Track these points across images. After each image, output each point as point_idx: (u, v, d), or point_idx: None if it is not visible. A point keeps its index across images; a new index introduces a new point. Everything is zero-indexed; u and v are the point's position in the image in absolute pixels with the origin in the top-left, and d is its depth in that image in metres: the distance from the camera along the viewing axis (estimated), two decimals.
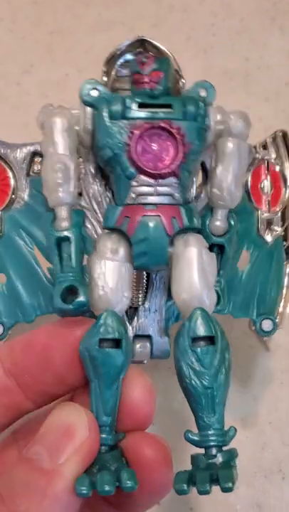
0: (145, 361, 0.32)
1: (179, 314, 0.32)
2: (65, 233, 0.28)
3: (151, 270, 0.30)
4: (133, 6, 0.46)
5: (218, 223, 0.30)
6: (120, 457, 0.27)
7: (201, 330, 0.27)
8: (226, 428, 0.27)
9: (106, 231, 0.29)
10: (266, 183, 0.33)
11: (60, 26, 0.45)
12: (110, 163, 0.28)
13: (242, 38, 0.46)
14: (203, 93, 0.29)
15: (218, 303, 0.29)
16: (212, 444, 0.27)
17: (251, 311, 0.33)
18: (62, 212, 0.28)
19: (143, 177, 0.28)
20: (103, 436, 0.27)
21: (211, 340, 0.27)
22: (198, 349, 0.27)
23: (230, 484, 0.26)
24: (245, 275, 0.32)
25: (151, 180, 0.28)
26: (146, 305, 0.32)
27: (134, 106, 0.28)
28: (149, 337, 0.32)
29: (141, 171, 0.28)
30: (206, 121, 0.28)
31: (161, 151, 0.28)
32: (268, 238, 0.33)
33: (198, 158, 0.29)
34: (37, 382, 0.28)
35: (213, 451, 0.27)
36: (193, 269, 0.28)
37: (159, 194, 0.28)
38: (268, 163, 0.33)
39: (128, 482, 0.26)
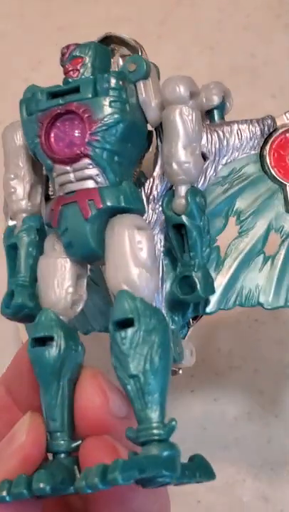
0: (180, 371, 0.30)
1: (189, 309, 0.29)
2: (12, 240, 0.28)
3: (89, 261, 0.28)
4: (141, 2, 0.46)
5: (177, 201, 0.28)
6: (71, 464, 0.25)
7: (118, 312, 0.25)
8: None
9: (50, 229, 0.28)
10: None
11: (68, 22, 0.46)
12: (38, 160, 0.28)
13: (248, 34, 0.46)
14: (132, 68, 0.28)
15: (193, 290, 0.27)
16: (146, 440, 0.23)
17: (286, 300, 0.29)
18: (15, 221, 0.29)
19: (58, 166, 0.27)
20: (54, 442, 0.25)
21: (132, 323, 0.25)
22: (117, 333, 0.24)
23: (82, 483, 0.22)
24: (274, 260, 0.29)
25: (67, 167, 0.27)
26: None
27: (44, 97, 0.27)
28: None
29: (54, 160, 0.27)
30: (122, 94, 0.27)
31: (72, 135, 0.27)
32: None
33: (127, 132, 0.27)
34: (25, 397, 0.27)
35: (150, 447, 0.23)
36: (119, 251, 0.25)
37: (78, 180, 0.27)
38: None
39: (38, 483, 0.23)
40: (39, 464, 0.25)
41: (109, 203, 0.26)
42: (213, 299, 0.29)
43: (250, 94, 0.45)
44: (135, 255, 0.25)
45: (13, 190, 0.29)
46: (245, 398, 0.39)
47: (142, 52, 0.29)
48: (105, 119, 0.26)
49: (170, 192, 0.28)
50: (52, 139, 0.27)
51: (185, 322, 0.29)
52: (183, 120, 0.27)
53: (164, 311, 0.28)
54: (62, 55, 0.28)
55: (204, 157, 0.29)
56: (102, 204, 0.26)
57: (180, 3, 0.46)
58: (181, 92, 0.27)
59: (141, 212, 0.27)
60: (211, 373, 0.40)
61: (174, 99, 0.27)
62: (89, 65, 0.27)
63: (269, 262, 0.29)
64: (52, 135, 0.27)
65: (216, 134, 0.30)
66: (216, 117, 0.30)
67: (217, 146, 0.30)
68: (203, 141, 0.29)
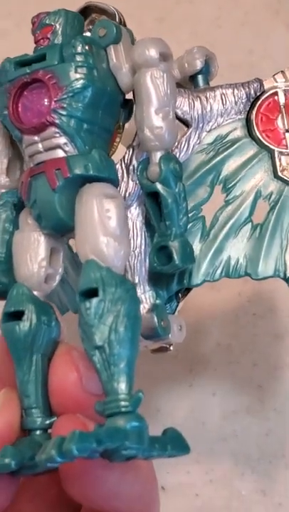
0: (171, 347, 0.29)
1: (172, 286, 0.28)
2: None
3: (61, 233, 0.27)
4: None
5: (151, 168, 0.27)
6: (45, 441, 0.24)
7: (83, 282, 0.24)
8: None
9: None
10: (286, 117, 0.28)
11: None
12: (8, 131, 0.27)
13: (247, 30, 0.47)
14: (102, 33, 0.27)
15: (170, 261, 0.26)
16: (111, 412, 0.23)
17: (279, 269, 0.27)
18: None
19: (27, 136, 0.26)
20: (29, 418, 0.25)
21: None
22: (82, 304, 0.23)
23: (41, 457, 0.22)
24: (263, 228, 0.28)
25: (35, 137, 0.26)
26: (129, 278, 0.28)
27: (12, 67, 0.26)
28: None
29: (23, 130, 0.26)
30: (88, 59, 0.26)
31: (40, 104, 0.26)
32: None
33: (97, 98, 0.26)
34: (5, 376, 0.26)
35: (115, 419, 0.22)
36: (87, 221, 0.24)
37: (46, 150, 0.26)
38: (285, 92, 0.29)
39: (3, 459, 0.23)
40: (11, 440, 0.24)
41: (77, 171, 0.25)
42: (200, 271, 0.28)
43: None
44: (103, 224, 0.24)
45: None
46: (244, 392, 0.39)
47: (121, 20, 0.28)
48: (72, 85, 0.25)
49: (145, 160, 0.27)
50: (20, 109, 0.26)
51: (171, 295, 0.28)
52: (154, 83, 0.26)
53: (147, 285, 0.28)
54: (33, 24, 0.27)
55: (187, 124, 0.29)
56: (69, 173, 0.25)
57: (179, 0, 0.46)
58: (150, 54, 0.26)
59: (113, 181, 0.26)
60: (209, 368, 0.40)
61: (144, 61, 0.26)
62: (59, 32, 0.27)
63: (257, 231, 0.28)
64: (20, 105, 0.26)
65: (198, 100, 0.28)
66: (201, 83, 0.29)
67: (200, 112, 0.28)
68: (186, 107, 0.28)
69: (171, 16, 0.47)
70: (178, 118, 0.28)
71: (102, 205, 0.25)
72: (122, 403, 0.23)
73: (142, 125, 0.26)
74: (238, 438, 0.39)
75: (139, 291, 0.27)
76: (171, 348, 0.29)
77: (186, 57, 0.29)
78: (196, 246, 0.28)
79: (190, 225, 0.27)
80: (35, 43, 0.27)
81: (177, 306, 0.29)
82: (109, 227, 0.24)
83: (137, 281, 0.28)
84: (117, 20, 0.28)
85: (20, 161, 0.28)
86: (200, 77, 0.29)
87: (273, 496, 0.38)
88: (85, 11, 0.29)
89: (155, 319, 0.26)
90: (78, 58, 0.26)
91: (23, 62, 0.26)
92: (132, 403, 0.23)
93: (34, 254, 0.26)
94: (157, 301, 0.28)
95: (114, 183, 0.26)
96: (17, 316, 0.25)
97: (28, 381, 0.25)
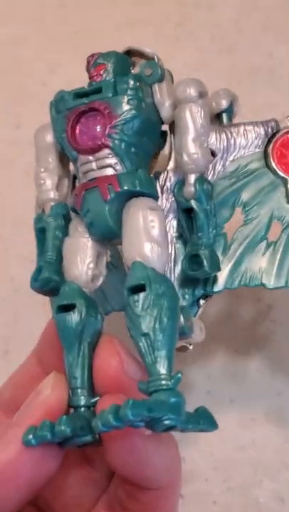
0: (191, 347, 0.32)
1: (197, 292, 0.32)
2: (41, 224, 0.32)
3: (109, 239, 0.31)
4: (159, 4, 0.46)
5: (187, 188, 0.31)
6: (91, 416, 0.28)
7: (132, 279, 0.28)
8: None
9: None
10: None
11: (86, 26, 0.46)
12: (65, 153, 0.31)
13: (267, 34, 0.46)
14: (148, 72, 0.31)
15: (200, 267, 0.30)
16: (155, 389, 0.26)
17: (287, 281, 0.32)
18: (44, 209, 0.33)
19: (82, 156, 0.30)
20: (75, 397, 0.29)
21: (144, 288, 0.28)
22: (131, 298, 0.27)
23: (97, 422, 0.25)
24: (276, 245, 0.32)
25: (90, 157, 0.30)
26: None
27: (71, 97, 0.31)
28: None
29: (79, 150, 0.30)
30: (138, 93, 0.30)
31: (94, 129, 0.30)
32: None
33: (143, 127, 0.30)
34: (52, 364, 0.30)
35: (158, 394, 0.26)
36: (134, 228, 0.29)
37: (99, 168, 0.30)
38: None
39: (60, 426, 0.26)
40: (62, 415, 0.28)
41: (126, 187, 0.30)
42: (220, 280, 0.32)
43: (269, 95, 0.45)
44: (148, 232, 0.29)
45: (42, 181, 0.33)
46: (263, 399, 0.39)
47: (158, 61, 0.33)
48: (124, 114, 0.30)
49: (181, 181, 0.32)
50: (77, 133, 0.30)
51: (195, 300, 0.32)
52: (192, 116, 0.31)
53: (176, 289, 0.31)
54: (88, 62, 0.32)
55: (213, 154, 0.33)
56: (119, 188, 0.30)
57: (198, 5, 0.46)
58: (190, 92, 0.31)
59: (154, 196, 0.30)
60: (227, 374, 0.40)
61: (184, 98, 0.31)
62: (110, 70, 0.31)
63: (271, 248, 0.32)
64: (77, 130, 0.30)
65: (224, 134, 0.33)
66: (225, 120, 0.34)
67: (225, 144, 0.33)
68: (213, 139, 0.33)
69: (191, 21, 0.47)
70: None
71: (147, 216, 0.29)
72: (164, 382, 0.26)
73: (181, 151, 0.31)
74: (256, 445, 0.39)
75: None
76: (191, 347, 0.32)
77: (213, 97, 0.34)
78: (219, 257, 0.32)
79: (216, 238, 0.32)
80: (90, 78, 0.32)
81: (198, 310, 0.33)
82: (153, 234, 0.29)
83: None
84: (157, 61, 0.32)
85: (68, 179, 0.33)
86: (224, 115, 0.34)
87: None
88: (127, 54, 0.33)
89: (182, 319, 0.29)
90: (130, 92, 0.30)
91: (80, 94, 0.31)
92: (173, 382, 0.26)
93: (83, 256, 0.30)
94: (184, 304, 0.32)
95: (156, 198, 0.31)
96: (68, 308, 0.29)
97: (76, 364, 0.29)
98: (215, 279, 0.32)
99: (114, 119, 0.30)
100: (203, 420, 0.28)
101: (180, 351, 0.32)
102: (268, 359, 0.40)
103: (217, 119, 0.34)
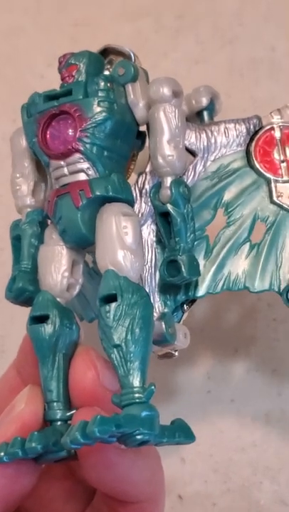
0: (176, 353, 0.32)
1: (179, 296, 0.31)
2: (17, 232, 0.31)
3: (83, 247, 0.30)
4: None
5: (163, 191, 0.30)
6: (66, 430, 0.27)
7: (103, 289, 0.27)
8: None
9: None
10: (281, 149, 0.32)
11: (84, 17, 0.45)
12: (37, 157, 0.31)
13: (269, 26, 0.45)
14: (121, 72, 0.30)
15: (178, 273, 0.29)
16: (128, 403, 0.26)
17: (274, 283, 0.31)
18: (21, 216, 0.32)
19: (54, 161, 0.29)
20: (50, 411, 0.28)
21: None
22: (102, 308, 0.27)
23: (66, 439, 0.25)
24: (260, 247, 0.31)
25: (62, 162, 0.29)
26: None
27: (41, 100, 0.30)
28: None
29: (50, 155, 0.29)
30: (109, 95, 0.29)
31: (66, 133, 0.29)
32: None
33: (116, 129, 0.29)
34: (30, 376, 0.29)
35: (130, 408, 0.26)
36: (106, 235, 0.28)
37: (71, 173, 0.29)
38: (280, 128, 0.32)
39: (30, 443, 0.26)
40: (36, 430, 0.27)
41: (98, 193, 0.29)
42: (203, 284, 0.31)
43: (271, 88, 0.44)
44: (121, 239, 0.28)
45: (18, 187, 0.32)
46: (263, 399, 0.39)
47: (135, 60, 0.32)
48: (94, 117, 0.29)
49: (158, 184, 0.31)
50: (48, 137, 0.30)
51: (177, 305, 0.31)
52: (166, 117, 0.30)
53: (157, 296, 0.31)
54: (60, 63, 0.31)
55: (194, 154, 0.32)
56: (91, 193, 0.29)
57: None
58: (164, 91, 0.30)
59: (129, 201, 0.30)
60: (228, 374, 0.39)
61: (158, 98, 0.30)
62: (83, 71, 0.30)
63: (255, 249, 0.31)
64: (48, 134, 0.30)
65: (204, 133, 0.32)
66: (206, 118, 0.33)
67: (205, 143, 0.32)
68: (193, 139, 0.32)
69: (192, 12, 0.46)
70: (186, 148, 0.31)
71: (120, 222, 0.28)
72: (137, 395, 0.26)
73: (156, 153, 0.30)
74: (256, 446, 0.38)
75: None
76: (176, 353, 0.31)
77: (193, 95, 0.33)
78: (201, 262, 0.31)
79: (195, 243, 0.30)
80: (62, 80, 0.30)
81: (182, 315, 0.32)
82: (127, 241, 0.28)
83: (147, 292, 0.30)
84: (133, 60, 0.31)
85: (45, 184, 0.32)
86: (205, 113, 0.34)
87: None
88: (104, 53, 0.32)
89: (163, 326, 0.29)
90: (101, 94, 0.29)
91: (51, 96, 0.30)
92: (146, 395, 0.26)
93: (58, 265, 0.29)
94: (166, 310, 0.31)
95: (131, 203, 0.30)
96: (42, 319, 0.28)
97: (51, 377, 0.28)
98: (197, 284, 0.31)
99: (85, 122, 0.29)
100: (180, 433, 0.27)
101: (165, 358, 0.31)
102: (268, 358, 0.39)
103: (198, 117, 0.33)
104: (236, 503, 0.37)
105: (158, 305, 0.31)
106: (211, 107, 0.34)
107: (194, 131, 0.32)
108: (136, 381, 0.26)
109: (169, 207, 0.30)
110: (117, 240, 0.28)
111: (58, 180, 0.29)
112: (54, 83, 0.43)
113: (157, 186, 0.30)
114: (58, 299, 0.29)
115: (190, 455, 0.38)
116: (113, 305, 0.26)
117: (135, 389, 0.26)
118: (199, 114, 0.33)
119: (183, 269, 0.29)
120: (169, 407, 0.38)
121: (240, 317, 0.40)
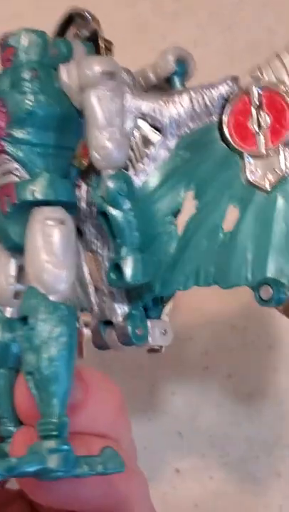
0: (162, 349, 0.29)
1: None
2: None
3: (21, 253, 0.27)
4: None
5: (101, 187, 0.27)
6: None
7: (19, 310, 0.25)
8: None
9: None
10: (259, 117, 0.27)
11: (83, 2, 0.45)
12: None
13: (268, 10, 0.46)
14: (54, 53, 0.27)
15: (120, 277, 0.26)
16: (42, 434, 0.24)
17: (247, 277, 0.27)
18: None
19: None
20: (1, 427, 0.26)
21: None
22: (19, 330, 0.25)
23: None
24: (231, 236, 0.27)
25: None
26: (104, 289, 0.28)
27: None
28: (111, 323, 0.28)
29: None
30: (34, 85, 0.26)
31: None
32: (266, 184, 0.27)
33: (48, 122, 0.26)
34: None
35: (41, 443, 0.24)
36: (31, 246, 0.25)
37: (2, 175, 0.26)
38: (258, 93, 0.27)
39: None
40: None
41: (23, 198, 0.26)
42: (171, 280, 0.27)
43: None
44: (45, 250, 0.25)
45: None
46: (260, 375, 0.39)
47: (92, 22, 0.29)
48: (16, 112, 0.26)
49: (99, 178, 0.27)
50: None
51: (149, 303, 0.28)
52: (98, 103, 0.26)
53: (120, 297, 0.28)
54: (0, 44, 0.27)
55: (158, 130, 0.28)
56: (16, 199, 0.26)
57: None
58: (94, 73, 0.26)
59: (64, 202, 0.26)
60: (225, 350, 0.40)
61: (87, 81, 0.26)
62: (19, 54, 0.27)
63: (227, 238, 0.27)
64: None
65: (166, 105, 0.28)
66: (178, 84, 0.29)
67: (170, 117, 0.28)
68: (154, 113, 0.28)
69: None
70: (149, 125, 0.28)
71: (44, 230, 0.25)
72: (50, 426, 0.24)
73: (90, 146, 0.26)
74: (253, 421, 0.39)
75: (113, 302, 0.28)
76: (162, 349, 0.29)
77: (159, 59, 0.29)
78: (167, 255, 0.27)
79: (161, 233, 0.27)
80: (2, 64, 0.27)
81: (162, 309, 0.29)
82: (50, 252, 0.25)
83: (111, 292, 0.28)
84: (91, 25, 0.28)
85: None
86: (175, 79, 0.29)
87: (288, 480, 0.37)
88: (70, 21, 0.29)
89: (129, 328, 0.27)
90: (23, 84, 0.26)
91: None
92: (57, 428, 0.24)
93: (4, 272, 0.27)
94: (133, 312, 0.28)
95: (66, 204, 0.26)
96: None
97: (0, 393, 0.26)
98: (164, 279, 0.27)
99: (8, 118, 0.26)
100: (105, 463, 0.24)
101: (152, 352, 0.30)
102: (265, 334, 0.40)
103: (168, 84, 0.29)
104: (233, 476, 0.38)
105: (123, 305, 0.28)
106: (181, 71, 0.29)
107: (155, 104, 0.28)
108: (50, 411, 0.24)
109: (107, 206, 0.26)
110: (40, 251, 0.25)
111: None
112: None
113: (99, 181, 0.27)
114: (8, 308, 0.27)
115: (187, 429, 0.39)
116: (25, 328, 0.25)
117: (48, 419, 0.24)
118: (169, 80, 0.29)
119: (125, 274, 0.26)
120: (166, 384, 0.39)
121: (236, 294, 0.41)
